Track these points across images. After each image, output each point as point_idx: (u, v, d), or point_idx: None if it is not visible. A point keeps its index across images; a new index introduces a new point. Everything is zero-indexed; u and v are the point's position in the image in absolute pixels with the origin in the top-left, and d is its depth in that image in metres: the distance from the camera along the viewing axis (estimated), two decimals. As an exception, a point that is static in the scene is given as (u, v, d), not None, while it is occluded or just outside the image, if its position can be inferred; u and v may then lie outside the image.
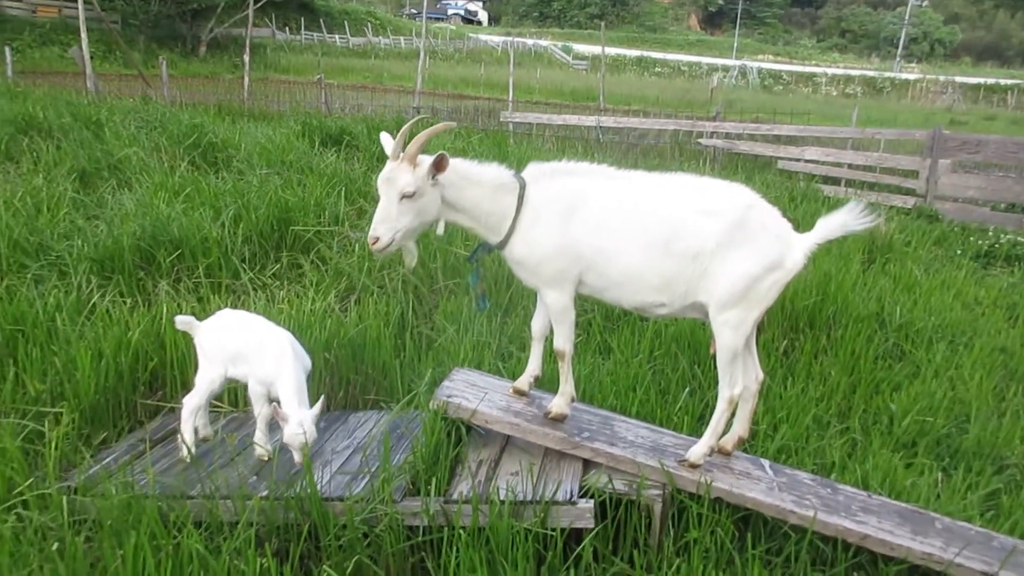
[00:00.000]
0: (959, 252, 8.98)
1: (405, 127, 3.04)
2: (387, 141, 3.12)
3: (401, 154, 2.97)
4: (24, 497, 2.89)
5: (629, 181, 3.18)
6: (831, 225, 3.04)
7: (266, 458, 3.39)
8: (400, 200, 2.95)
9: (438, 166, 2.97)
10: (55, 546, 2.42)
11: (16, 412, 3.49)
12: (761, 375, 3.34)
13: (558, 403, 3.39)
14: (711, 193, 3.08)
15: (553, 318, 3.28)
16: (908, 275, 7.23)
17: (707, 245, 2.98)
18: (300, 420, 3.11)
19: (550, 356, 3.55)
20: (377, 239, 2.96)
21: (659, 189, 3.14)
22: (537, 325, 3.47)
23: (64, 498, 2.86)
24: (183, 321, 3.56)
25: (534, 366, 3.55)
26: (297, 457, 3.12)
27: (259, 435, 3.43)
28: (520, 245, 3.17)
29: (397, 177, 2.94)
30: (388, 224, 2.96)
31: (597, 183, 3.16)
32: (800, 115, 18.22)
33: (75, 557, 2.44)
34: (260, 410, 3.38)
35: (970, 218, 10.78)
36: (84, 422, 3.65)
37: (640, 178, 3.20)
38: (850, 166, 12.48)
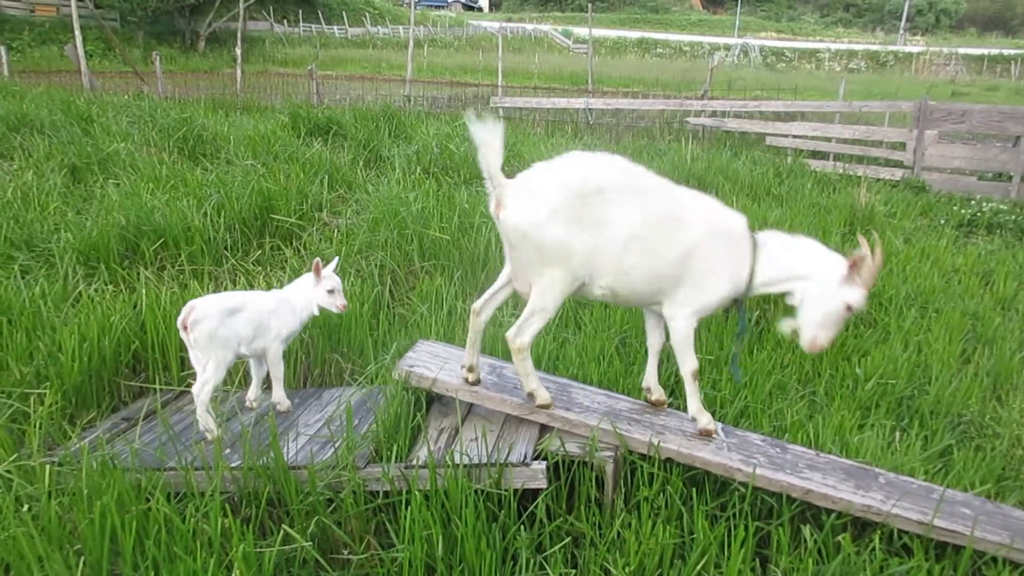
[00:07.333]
0: (943, 222, 9.06)
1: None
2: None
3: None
4: (8, 470, 3.05)
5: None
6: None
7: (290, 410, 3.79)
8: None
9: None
10: (26, 507, 2.57)
11: (2, 395, 3.66)
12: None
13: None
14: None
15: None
16: (887, 245, 7.32)
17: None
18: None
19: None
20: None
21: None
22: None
23: (48, 468, 3.02)
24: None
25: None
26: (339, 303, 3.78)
27: (280, 392, 3.78)
28: None
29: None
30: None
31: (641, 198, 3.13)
32: (789, 91, 18.23)
33: (49, 519, 2.61)
34: (279, 371, 3.75)
35: (957, 188, 10.83)
36: (69, 403, 3.82)
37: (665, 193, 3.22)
38: (838, 140, 12.52)
